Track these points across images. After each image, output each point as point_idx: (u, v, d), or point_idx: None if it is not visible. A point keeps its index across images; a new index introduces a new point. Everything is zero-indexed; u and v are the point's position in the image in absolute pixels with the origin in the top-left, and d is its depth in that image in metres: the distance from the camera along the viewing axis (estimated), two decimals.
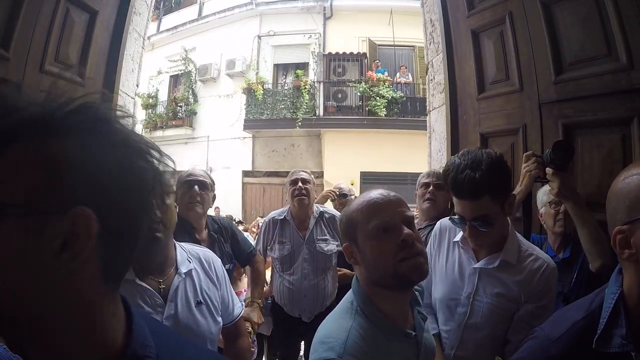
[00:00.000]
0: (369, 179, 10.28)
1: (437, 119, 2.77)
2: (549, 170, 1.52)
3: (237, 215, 10.57)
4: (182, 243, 1.48)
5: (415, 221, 2.13)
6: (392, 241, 0.98)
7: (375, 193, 1.07)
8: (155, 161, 0.55)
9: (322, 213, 2.69)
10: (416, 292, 1.12)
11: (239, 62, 12.11)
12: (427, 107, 3.00)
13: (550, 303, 1.37)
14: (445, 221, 1.64)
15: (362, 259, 1.03)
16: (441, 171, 1.66)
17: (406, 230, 0.99)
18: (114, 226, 0.50)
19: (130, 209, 0.52)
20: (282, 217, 2.68)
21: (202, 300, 1.40)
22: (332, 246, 2.63)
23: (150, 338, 0.57)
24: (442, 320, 1.56)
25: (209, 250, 1.59)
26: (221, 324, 1.49)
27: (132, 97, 2.77)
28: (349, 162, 10.16)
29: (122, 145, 0.51)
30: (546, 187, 1.81)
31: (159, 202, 0.61)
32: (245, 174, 11.95)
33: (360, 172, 10.36)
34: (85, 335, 0.50)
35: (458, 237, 1.55)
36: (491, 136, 2.38)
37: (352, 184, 10.55)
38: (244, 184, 11.92)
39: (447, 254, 1.59)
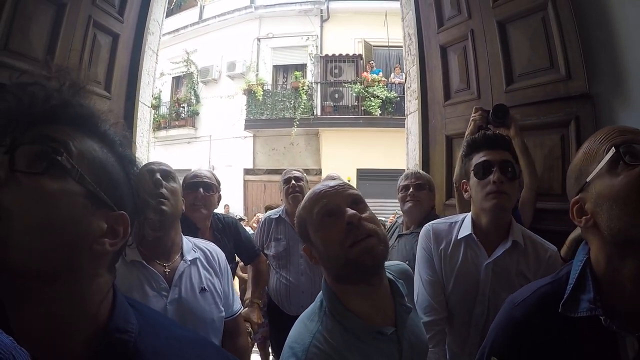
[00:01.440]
0: (364, 175, 10.68)
1: (413, 122, 3.18)
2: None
3: (239, 212, 10.98)
4: (189, 237, 1.55)
5: (401, 224, 2.32)
6: (338, 226, 0.94)
7: (318, 185, 1.06)
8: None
9: None
10: (398, 282, 1.06)
11: (239, 63, 12.51)
12: (405, 112, 3.40)
13: None
14: (437, 225, 1.63)
15: (319, 255, 1.00)
16: (466, 143, 1.64)
17: (350, 211, 0.94)
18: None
19: (134, 217, 0.66)
20: (277, 216, 2.73)
21: (206, 288, 1.43)
22: None
23: (132, 315, 0.62)
24: (456, 325, 1.54)
25: (214, 244, 1.64)
26: (223, 313, 1.50)
27: (148, 107, 3.18)
28: (346, 160, 10.56)
29: (134, 160, 0.69)
30: None
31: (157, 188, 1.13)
32: (247, 171, 12.37)
33: (357, 168, 10.76)
34: (82, 307, 0.57)
35: (464, 234, 1.53)
36: (454, 137, 2.77)
37: (349, 180, 10.97)
38: (245, 181, 12.33)
39: (452, 254, 1.55)
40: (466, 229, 1.52)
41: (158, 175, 1.42)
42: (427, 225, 1.65)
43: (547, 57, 2.32)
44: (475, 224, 1.52)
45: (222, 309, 1.50)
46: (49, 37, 2.35)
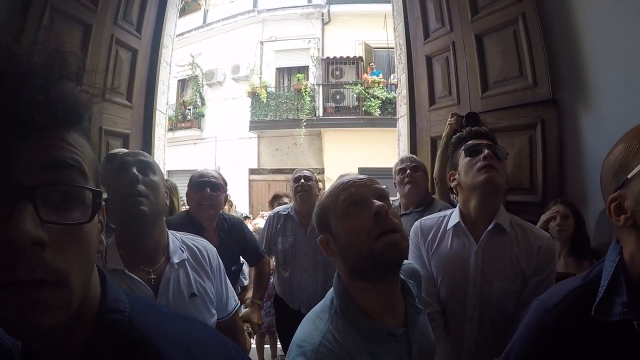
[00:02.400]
0: (366, 174, 10.90)
1: (403, 125, 3.50)
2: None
3: (245, 210, 11.31)
4: (176, 232, 1.43)
5: (397, 206, 2.45)
6: (364, 215, 0.93)
7: (345, 177, 1.06)
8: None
9: None
10: (409, 282, 1.06)
11: (244, 66, 12.83)
12: (397, 115, 3.72)
13: (551, 275, 1.38)
14: (425, 220, 1.67)
15: (338, 247, 0.98)
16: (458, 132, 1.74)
17: (377, 202, 0.94)
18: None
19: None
20: (286, 213, 2.75)
21: (196, 292, 1.34)
22: None
23: (123, 295, 0.60)
24: (451, 318, 1.55)
25: (204, 239, 1.53)
26: (216, 317, 1.43)
27: (164, 113, 3.52)
28: (348, 159, 10.85)
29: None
30: None
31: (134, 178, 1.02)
32: (251, 171, 12.70)
33: (358, 167, 11.03)
34: (82, 294, 0.52)
35: (452, 223, 1.55)
36: (438, 139, 3.09)
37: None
38: (250, 181, 12.66)
39: (439, 245, 1.57)
40: (454, 219, 1.55)
41: (134, 170, 1.24)
42: (416, 222, 1.69)
43: (517, 66, 2.64)
44: (463, 213, 1.54)
45: (215, 312, 1.43)
46: (80, 54, 2.69)
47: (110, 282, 0.60)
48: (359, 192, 0.96)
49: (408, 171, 2.39)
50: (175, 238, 1.38)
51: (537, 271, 1.38)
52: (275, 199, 4.16)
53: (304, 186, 2.65)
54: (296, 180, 2.69)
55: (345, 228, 0.95)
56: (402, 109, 3.55)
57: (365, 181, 1.00)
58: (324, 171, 11.24)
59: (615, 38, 2.26)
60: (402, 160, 2.49)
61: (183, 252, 1.35)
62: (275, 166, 12.40)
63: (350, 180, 1.01)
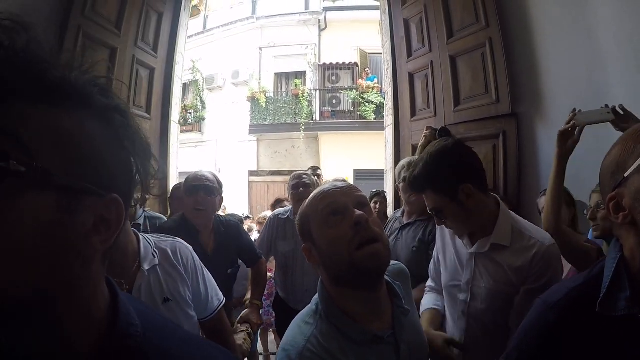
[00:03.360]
0: (361, 176, 11.43)
1: (389, 133, 3.94)
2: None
3: (244, 211, 11.73)
4: (148, 235, 1.39)
5: (400, 216, 2.38)
6: (344, 225, 0.93)
7: (325, 185, 1.05)
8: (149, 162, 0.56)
9: None
10: (395, 284, 1.05)
11: (243, 71, 13.27)
12: (384, 124, 4.16)
13: (551, 281, 1.31)
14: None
15: (320, 255, 0.98)
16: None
17: (358, 211, 0.94)
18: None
19: (129, 200, 0.54)
20: (286, 216, 2.76)
21: (169, 297, 1.32)
22: None
23: (135, 317, 0.54)
24: (447, 307, 1.59)
25: (178, 240, 1.47)
26: (195, 318, 1.42)
27: (177, 124, 3.95)
28: (344, 161, 11.33)
29: (138, 140, 0.54)
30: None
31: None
32: (251, 173, 13.12)
33: (353, 169, 11.51)
34: (82, 313, 0.48)
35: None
36: (417, 146, 3.53)
37: (346, 180, 11.70)
38: (249, 182, 13.08)
39: (448, 243, 1.61)
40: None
41: None
42: None
43: (484, 85, 3.09)
44: None
45: (193, 314, 1.41)
46: (105, 73, 3.11)
47: (123, 302, 0.54)
48: (339, 201, 0.96)
49: None
50: (148, 243, 1.34)
51: (530, 280, 1.33)
52: (278, 203, 4.38)
53: (303, 194, 2.62)
54: (295, 187, 2.70)
55: (326, 238, 0.95)
56: (389, 119, 3.99)
57: (345, 189, 1.00)
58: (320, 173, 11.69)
59: (567, 61, 2.70)
60: (408, 165, 2.36)
61: (155, 257, 1.32)
62: (274, 168, 12.84)
63: (330, 189, 1.00)
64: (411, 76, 3.71)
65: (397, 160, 3.76)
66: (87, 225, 0.46)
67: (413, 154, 3.55)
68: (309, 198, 1.04)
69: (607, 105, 1.64)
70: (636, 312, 0.74)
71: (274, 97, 12.67)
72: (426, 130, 2.86)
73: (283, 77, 13.67)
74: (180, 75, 4.12)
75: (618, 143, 0.82)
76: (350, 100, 11.66)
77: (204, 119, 14.16)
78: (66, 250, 0.45)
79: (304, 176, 2.78)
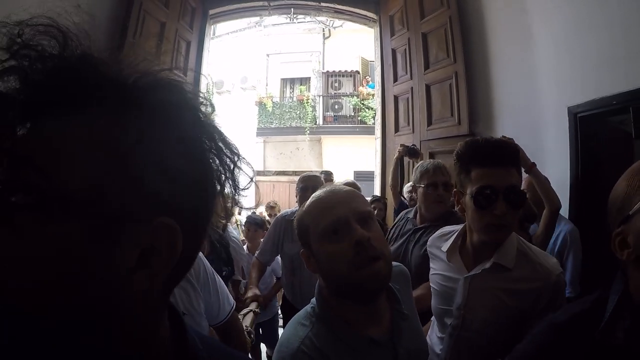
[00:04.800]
0: (361, 177, 12.19)
1: (378, 144, 4.76)
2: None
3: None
4: None
5: (412, 217, 2.30)
6: (345, 243, 0.89)
7: (324, 190, 1.00)
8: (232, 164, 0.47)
9: None
10: (395, 287, 1.01)
11: (251, 77, 14.10)
12: (375, 136, 4.97)
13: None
14: (441, 230, 1.56)
15: (319, 266, 0.95)
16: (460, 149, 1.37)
17: (359, 230, 0.89)
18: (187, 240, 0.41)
19: (202, 221, 0.45)
20: (293, 218, 2.82)
21: (185, 312, 1.32)
22: None
23: (201, 350, 0.49)
24: (437, 329, 1.49)
25: None
26: (207, 329, 1.45)
27: None
28: (345, 163, 12.14)
29: (204, 141, 0.44)
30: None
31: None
32: (258, 173, 13.86)
33: (354, 171, 12.28)
34: (138, 349, 0.42)
35: (445, 248, 1.42)
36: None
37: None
38: (256, 182, 13.86)
39: (438, 266, 1.49)
40: (450, 243, 1.43)
41: None
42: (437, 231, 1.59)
43: (449, 109, 3.89)
44: (464, 237, 1.41)
45: (205, 323, 1.43)
46: None
47: (189, 331, 0.49)
48: (340, 216, 0.91)
49: (440, 188, 2.12)
50: None
51: (538, 309, 1.20)
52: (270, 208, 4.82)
53: None
54: (303, 190, 2.64)
55: (325, 252, 0.92)
56: (378, 133, 4.80)
57: (348, 199, 0.95)
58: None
59: (513, 92, 3.49)
60: (433, 170, 2.16)
61: None
62: (279, 169, 13.68)
63: (330, 200, 0.96)
64: (396, 98, 4.52)
65: (384, 167, 4.57)
66: (130, 258, 0.38)
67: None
68: (309, 203, 0.99)
69: (503, 137, 2.40)
70: (634, 343, 0.75)
71: (280, 102, 13.50)
72: (400, 147, 3.62)
73: (288, 82, 14.47)
74: (209, 97, 4.91)
75: (624, 178, 0.84)
76: (352, 106, 12.49)
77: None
78: (103, 290, 0.37)
79: (313, 177, 2.74)
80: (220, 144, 0.47)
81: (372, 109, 12.11)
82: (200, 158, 0.43)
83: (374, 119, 12.22)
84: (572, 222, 2.66)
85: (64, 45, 0.39)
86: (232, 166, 0.47)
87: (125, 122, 0.38)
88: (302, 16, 5.77)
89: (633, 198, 0.79)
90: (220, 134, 0.48)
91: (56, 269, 0.35)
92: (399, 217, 2.57)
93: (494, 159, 1.24)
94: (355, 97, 12.46)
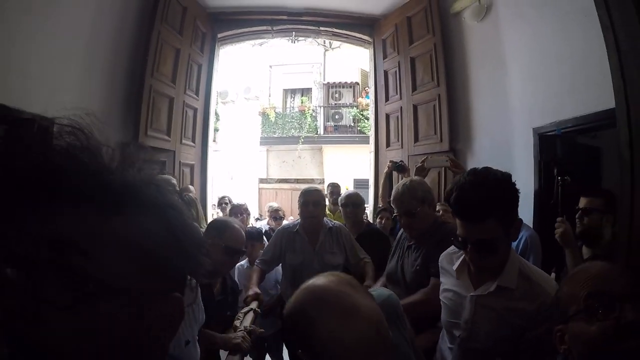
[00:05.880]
0: (360, 184, 12.65)
1: (372, 158, 5.22)
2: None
3: (254, 213, 13.02)
4: None
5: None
6: None
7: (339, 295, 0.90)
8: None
9: (331, 228, 2.76)
10: None
11: (254, 87, 14.62)
12: (369, 150, 5.43)
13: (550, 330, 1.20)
14: (444, 255, 1.64)
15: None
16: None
17: None
18: None
19: (184, 287, 0.56)
20: (295, 230, 2.76)
21: (188, 339, 1.38)
22: (339, 258, 2.69)
23: None
24: (447, 340, 1.55)
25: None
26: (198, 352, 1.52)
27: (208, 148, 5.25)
28: (345, 171, 12.61)
29: (192, 233, 0.54)
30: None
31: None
32: (261, 180, 14.47)
33: (354, 178, 12.75)
34: None
35: (455, 266, 1.50)
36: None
37: (347, 189, 12.96)
38: (259, 189, 14.42)
39: (448, 281, 1.56)
40: (457, 263, 1.52)
41: None
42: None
43: (433, 128, 4.34)
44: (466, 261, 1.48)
45: (198, 345, 1.51)
46: (167, 117, 4.40)
47: None
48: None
49: (403, 218, 2.21)
50: None
51: (536, 325, 1.25)
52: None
53: (313, 212, 2.70)
54: (304, 204, 2.72)
55: None
56: (372, 147, 5.26)
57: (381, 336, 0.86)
58: (324, 181, 12.98)
59: (488, 113, 3.95)
60: (394, 202, 2.25)
61: None
62: (282, 176, 14.20)
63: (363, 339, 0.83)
64: (387, 116, 4.99)
65: (377, 178, 5.03)
66: (156, 326, 0.48)
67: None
68: (331, 328, 0.84)
69: (447, 155, 2.85)
70: None
71: (282, 112, 14.01)
72: (389, 162, 4.07)
73: (290, 93, 15.00)
74: (214, 111, 5.41)
75: (568, 283, 0.96)
76: (351, 117, 12.99)
77: (217, 130, 15.47)
78: (140, 352, 0.47)
79: (315, 191, 2.81)
80: (193, 236, 0.55)
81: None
82: (182, 246, 0.52)
83: None
84: (532, 229, 3.07)
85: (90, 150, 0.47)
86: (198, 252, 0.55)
87: (143, 221, 0.48)
88: (302, 38, 6.07)
89: (570, 306, 0.90)
90: (193, 229, 0.56)
91: (105, 337, 0.43)
92: (400, 231, 2.55)
93: (464, 216, 1.33)
94: (354, 107, 12.97)
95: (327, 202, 4.19)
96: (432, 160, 2.82)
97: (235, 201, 4.98)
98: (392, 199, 2.27)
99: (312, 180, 13.75)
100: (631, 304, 0.84)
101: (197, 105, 4.95)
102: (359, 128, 12.77)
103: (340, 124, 13.23)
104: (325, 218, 2.85)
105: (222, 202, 5.05)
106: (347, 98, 13.59)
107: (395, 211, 2.25)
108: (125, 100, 4.06)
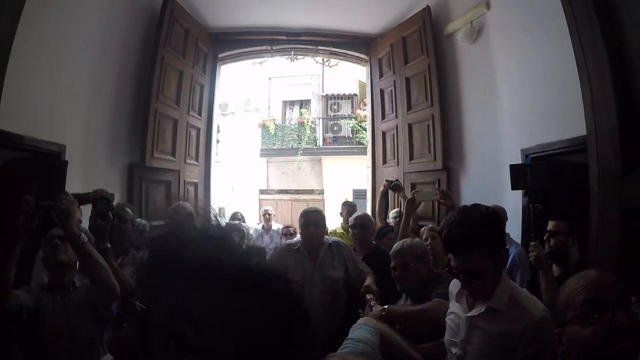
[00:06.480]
0: (359, 194, 12.79)
1: (369, 173, 5.38)
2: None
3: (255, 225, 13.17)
4: None
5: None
6: None
7: None
8: None
9: (330, 244, 2.88)
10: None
11: (254, 99, 14.83)
12: (366, 165, 5.60)
13: (538, 351, 1.36)
14: (453, 281, 1.75)
15: None
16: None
17: None
18: None
19: None
20: (297, 247, 2.87)
21: None
22: (339, 272, 2.80)
23: None
24: (449, 357, 1.69)
25: None
26: None
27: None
28: (343, 182, 12.77)
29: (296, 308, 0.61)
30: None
31: None
32: (261, 191, 14.64)
33: (352, 189, 12.90)
34: None
35: (454, 291, 1.69)
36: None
37: (345, 199, 13.13)
38: (260, 199, 14.57)
39: (453, 305, 1.71)
40: (455, 287, 1.70)
41: None
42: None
43: (427, 147, 4.50)
44: None
45: None
46: (172, 138, 4.57)
47: None
48: None
49: (398, 270, 2.32)
50: None
51: (519, 349, 1.38)
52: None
53: (313, 233, 2.83)
54: (305, 225, 2.85)
55: None
56: (369, 162, 5.43)
57: None
58: (323, 192, 13.16)
59: (480, 133, 4.11)
60: (392, 255, 2.38)
61: None
62: (282, 187, 14.37)
63: None
64: (384, 134, 5.17)
65: (374, 193, 5.19)
66: None
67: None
68: None
69: (437, 188, 3.00)
70: None
71: (282, 124, 14.21)
72: (385, 182, 4.24)
73: (289, 104, 15.21)
74: (216, 130, 5.58)
75: (566, 290, 1.06)
76: (350, 128, 13.19)
77: (218, 141, 15.65)
78: None
79: (316, 213, 2.94)
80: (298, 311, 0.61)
81: None
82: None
83: None
84: (521, 246, 3.20)
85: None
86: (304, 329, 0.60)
87: (261, 309, 0.51)
88: (301, 56, 6.26)
89: (567, 311, 1.00)
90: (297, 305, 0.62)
91: None
92: None
93: (453, 251, 1.51)
94: (353, 119, 13.17)
95: (342, 222, 4.52)
96: (422, 194, 2.97)
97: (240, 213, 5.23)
98: (392, 252, 2.42)
99: (311, 191, 13.94)
100: (622, 309, 0.95)
101: (200, 125, 5.12)
102: (357, 139, 12.95)
103: (339, 135, 13.43)
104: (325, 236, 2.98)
105: (235, 218, 5.09)
106: (345, 109, 13.81)
107: (392, 263, 2.37)
108: (131, 123, 4.23)
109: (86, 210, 2.23)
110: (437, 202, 4.27)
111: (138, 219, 3.08)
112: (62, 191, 1.57)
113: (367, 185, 5.64)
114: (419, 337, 1.97)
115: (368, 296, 2.41)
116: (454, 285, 1.74)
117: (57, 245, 1.80)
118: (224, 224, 0.60)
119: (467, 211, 1.52)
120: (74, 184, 3.09)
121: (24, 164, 2.87)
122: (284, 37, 5.72)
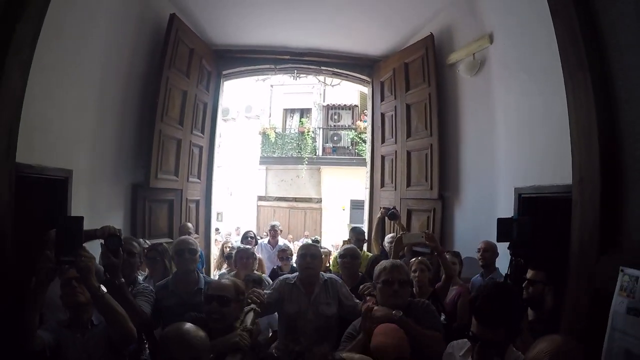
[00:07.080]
0: (356, 205, 12.95)
1: (366, 195, 5.50)
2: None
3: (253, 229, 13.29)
4: None
5: None
6: None
7: None
8: None
9: (326, 280, 2.94)
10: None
11: (255, 106, 14.95)
12: (364, 186, 5.71)
13: None
14: (456, 342, 1.91)
15: None
16: None
17: None
18: None
19: None
20: (293, 282, 2.93)
21: None
22: (333, 309, 2.84)
23: None
24: None
25: None
26: None
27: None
28: (342, 192, 12.89)
29: None
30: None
31: None
32: (260, 198, 14.77)
33: (350, 199, 13.05)
34: None
35: (460, 353, 1.80)
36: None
37: (343, 209, 13.27)
38: (258, 206, 14.69)
39: None
40: (464, 347, 1.82)
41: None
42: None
43: (424, 175, 4.61)
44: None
45: None
46: (175, 157, 4.67)
47: None
48: None
49: (396, 284, 2.33)
50: None
51: None
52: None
53: (310, 264, 2.89)
54: (302, 257, 2.92)
55: None
56: (367, 184, 5.54)
57: None
58: (321, 201, 13.25)
59: (476, 165, 4.22)
60: (390, 269, 2.38)
61: None
62: (280, 195, 14.48)
63: None
64: (383, 157, 5.29)
65: (370, 217, 5.30)
66: None
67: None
68: None
69: (423, 231, 3.20)
70: None
71: (282, 133, 14.32)
72: (381, 209, 4.36)
73: (290, 112, 15.33)
74: (218, 148, 5.69)
75: (541, 345, 1.30)
76: (349, 139, 13.29)
77: (218, 146, 15.74)
78: None
79: (313, 247, 3.07)
80: None
81: None
82: None
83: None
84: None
85: None
86: None
87: None
88: (303, 75, 6.38)
89: None
90: None
91: None
92: None
93: (484, 320, 1.58)
94: (353, 130, 13.28)
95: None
96: (409, 235, 3.23)
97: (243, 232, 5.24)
98: (390, 266, 2.43)
99: (309, 199, 14.06)
100: None
101: (203, 143, 5.23)
102: (356, 150, 13.07)
103: (338, 145, 13.55)
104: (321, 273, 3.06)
105: (247, 236, 5.01)
106: (346, 120, 13.93)
107: (389, 277, 2.39)
108: (135, 143, 4.30)
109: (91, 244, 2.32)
110: (431, 222, 4.45)
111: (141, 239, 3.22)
112: (80, 247, 1.68)
113: (364, 200, 5.74)
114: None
115: (368, 298, 2.52)
116: (457, 347, 1.86)
117: (74, 287, 1.91)
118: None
119: (503, 288, 1.72)
120: (80, 205, 3.23)
121: (32, 190, 2.95)
122: (288, 57, 5.84)
